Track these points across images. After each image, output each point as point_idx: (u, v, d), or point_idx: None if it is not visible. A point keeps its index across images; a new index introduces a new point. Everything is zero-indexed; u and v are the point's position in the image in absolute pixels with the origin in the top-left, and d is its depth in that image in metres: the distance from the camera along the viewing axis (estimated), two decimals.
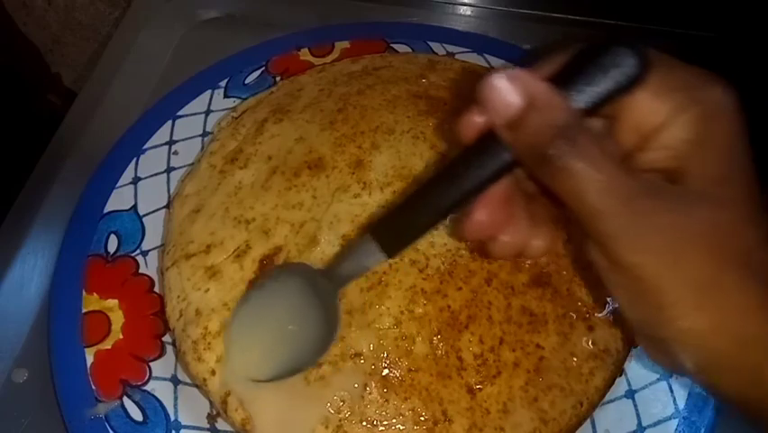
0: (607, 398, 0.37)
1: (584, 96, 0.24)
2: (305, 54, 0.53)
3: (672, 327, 0.23)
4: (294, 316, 0.34)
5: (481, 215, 0.26)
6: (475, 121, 0.25)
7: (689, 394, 0.38)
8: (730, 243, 0.23)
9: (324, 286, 0.32)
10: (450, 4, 0.62)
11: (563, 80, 0.24)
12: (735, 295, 0.23)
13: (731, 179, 0.24)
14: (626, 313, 0.26)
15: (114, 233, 0.42)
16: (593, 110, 0.24)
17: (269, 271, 0.37)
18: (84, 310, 0.39)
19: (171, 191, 0.45)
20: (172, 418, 0.36)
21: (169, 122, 0.48)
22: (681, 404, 0.38)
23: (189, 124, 0.48)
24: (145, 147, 0.47)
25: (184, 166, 0.46)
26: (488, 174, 0.25)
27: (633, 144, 0.26)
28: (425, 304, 0.36)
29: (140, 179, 0.45)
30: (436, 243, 0.38)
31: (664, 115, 0.24)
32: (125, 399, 0.36)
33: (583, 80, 0.24)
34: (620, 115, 0.25)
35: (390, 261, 0.37)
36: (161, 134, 0.47)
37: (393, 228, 0.28)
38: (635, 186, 0.23)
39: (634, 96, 0.24)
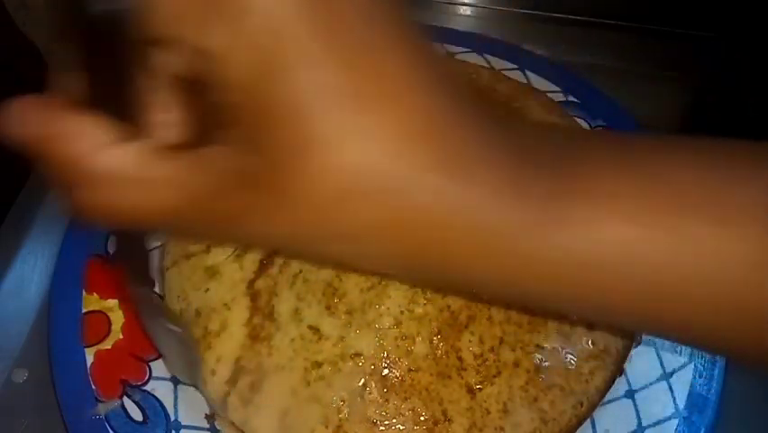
0: (607, 398, 0.37)
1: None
2: None
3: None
4: None
5: None
6: None
7: (689, 394, 0.38)
8: None
9: None
10: (450, 4, 0.62)
11: None
12: None
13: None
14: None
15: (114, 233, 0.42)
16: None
17: None
18: (84, 310, 0.39)
19: None
20: (172, 418, 0.36)
21: None
22: (681, 404, 0.38)
23: None
24: None
25: None
26: None
27: None
28: (424, 304, 0.36)
29: None
30: None
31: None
32: (125, 399, 0.36)
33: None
34: None
35: None
36: None
37: None
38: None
39: None
